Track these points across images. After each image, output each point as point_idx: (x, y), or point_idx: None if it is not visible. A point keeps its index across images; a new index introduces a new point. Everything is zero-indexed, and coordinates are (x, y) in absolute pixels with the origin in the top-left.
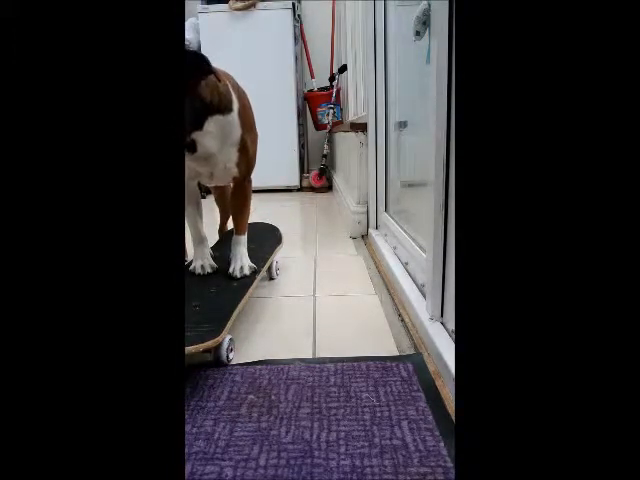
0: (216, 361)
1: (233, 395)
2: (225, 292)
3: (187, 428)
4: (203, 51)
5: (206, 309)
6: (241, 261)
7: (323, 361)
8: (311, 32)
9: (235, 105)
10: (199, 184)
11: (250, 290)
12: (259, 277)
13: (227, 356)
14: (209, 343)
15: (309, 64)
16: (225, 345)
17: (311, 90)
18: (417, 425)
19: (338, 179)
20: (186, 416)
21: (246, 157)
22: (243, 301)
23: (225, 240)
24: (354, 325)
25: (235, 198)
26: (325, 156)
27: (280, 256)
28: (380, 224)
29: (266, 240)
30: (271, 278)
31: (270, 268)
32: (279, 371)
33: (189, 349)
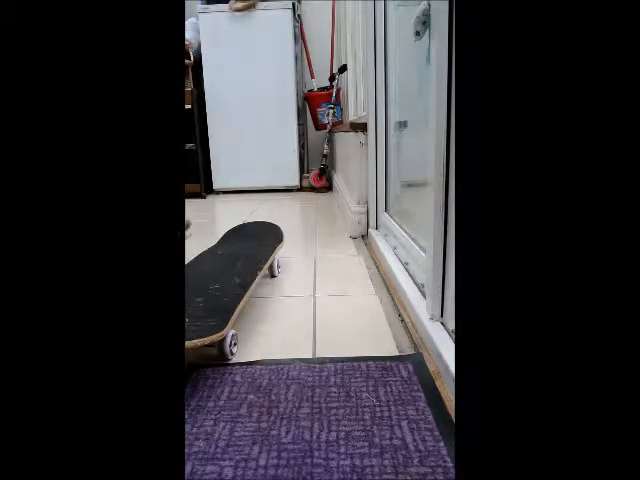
0: (220, 355)
1: (233, 395)
2: (227, 289)
3: (187, 428)
4: (203, 51)
5: (210, 305)
6: None
7: (323, 361)
8: (311, 32)
9: None
10: None
11: (252, 287)
12: (261, 274)
13: (231, 350)
14: (214, 337)
15: (309, 64)
16: (229, 339)
17: (311, 90)
18: (417, 425)
19: (338, 179)
20: (186, 416)
21: None
22: (245, 297)
23: (227, 238)
24: (354, 325)
25: None
26: (325, 156)
27: (280, 256)
28: (380, 224)
29: (267, 238)
30: (272, 276)
31: (271, 266)
32: (279, 371)
33: (195, 342)
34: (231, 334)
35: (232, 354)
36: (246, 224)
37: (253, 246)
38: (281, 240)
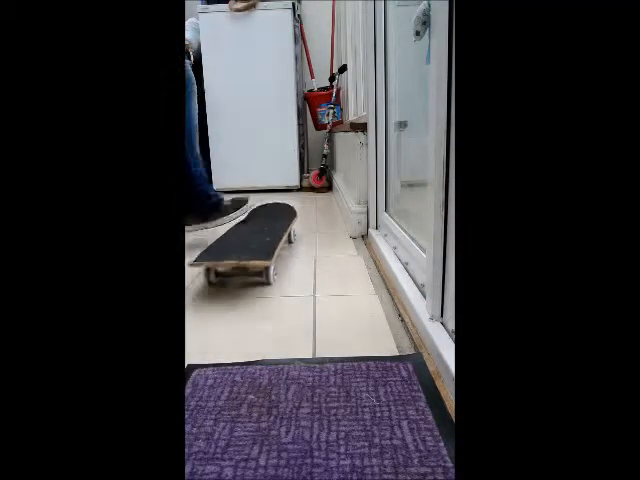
0: (266, 279)
1: (233, 395)
2: (265, 243)
3: (187, 428)
4: (203, 51)
5: (257, 249)
6: None
7: (323, 361)
8: (311, 32)
9: None
10: None
11: (282, 241)
12: (285, 236)
13: (273, 277)
14: (266, 262)
15: (309, 64)
16: (272, 267)
17: (311, 90)
18: (417, 425)
19: (338, 179)
20: (186, 416)
21: None
22: (279, 246)
23: (252, 215)
24: (354, 325)
25: None
26: (325, 156)
27: (279, 255)
28: (380, 224)
29: (284, 214)
30: (290, 242)
31: (289, 234)
32: (279, 371)
33: (253, 263)
34: (273, 266)
35: (273, 280)
36: (266, 205)
37: (275, 219)
38: (295, 215)
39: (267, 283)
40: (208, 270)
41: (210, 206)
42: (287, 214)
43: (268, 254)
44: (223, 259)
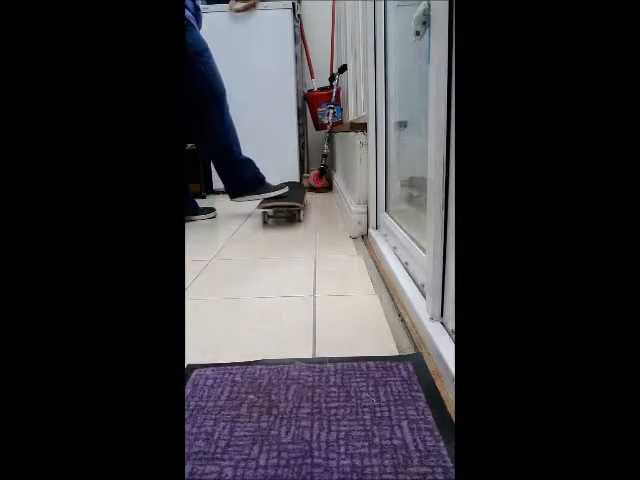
0: (298, 218)
1: (233, 395)
2: (296, 196)
3: (187, 428)
4: None
5: (293, 198)
6: None
7: (323, 361)
8: (311, 32)
9: None
10: None
11: (305, 198)
12: (305, 197)
13: (302, 217)
14: (298, 204)
15: (309, 64)
16: (302, 209)
17: (311, 90)
18: (417, 425)
19: (338, 179)
20: (186, 416)
21: None
22: (304, 199)
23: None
24: (354, 325)
25: None
26: (325, 156)
27: (278, 254)
28: (380, 224)
29: (299, 187)
30: (304, 204)
31: (305, 202)
32: (279, 371)
33: (293, 203)
34: (302, 210)
35: (303, 219)
36: (285, 182)
37: (295, 188)
38: (305, 189)
39: (298, 220)
40: (264, 214)
41: (257, 182)
42: (301, 187)
43: (300, 201)
44: (275, 202)
